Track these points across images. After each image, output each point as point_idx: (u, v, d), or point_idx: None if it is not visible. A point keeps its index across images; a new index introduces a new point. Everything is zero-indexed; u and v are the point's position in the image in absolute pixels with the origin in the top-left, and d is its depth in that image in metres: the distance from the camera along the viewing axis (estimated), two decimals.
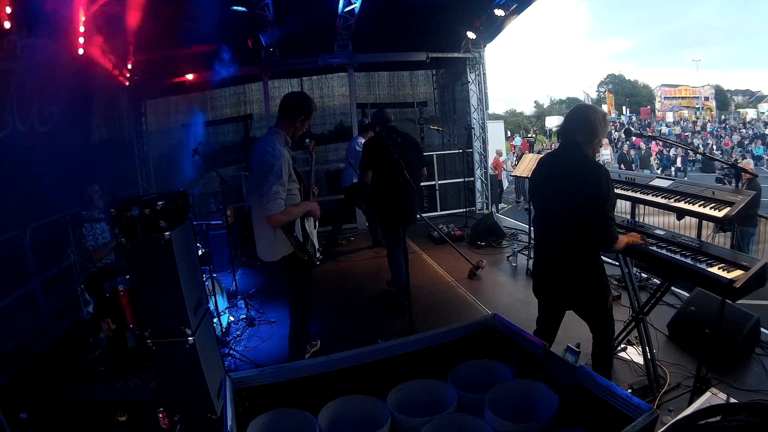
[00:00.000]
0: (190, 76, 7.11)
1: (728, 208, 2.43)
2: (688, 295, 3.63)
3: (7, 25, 3.64)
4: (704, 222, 3.53)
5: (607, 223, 2.27)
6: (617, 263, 3.13)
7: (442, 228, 6.67)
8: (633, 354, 3.17)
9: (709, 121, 33.59)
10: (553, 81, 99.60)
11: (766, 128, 27.36)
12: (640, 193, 2.98)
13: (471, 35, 7.89)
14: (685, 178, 11.95)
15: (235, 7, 6.27)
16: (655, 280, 4.34)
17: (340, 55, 7.61)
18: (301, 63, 7.57)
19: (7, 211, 3.86)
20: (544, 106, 45.46)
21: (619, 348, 3.21)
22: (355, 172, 5.86)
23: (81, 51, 4.92)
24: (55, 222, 4.29)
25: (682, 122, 33.60)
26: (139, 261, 2.47)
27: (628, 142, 20.65)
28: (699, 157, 19.36)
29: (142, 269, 2.49)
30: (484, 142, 8.71)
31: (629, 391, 2.35)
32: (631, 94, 41.23)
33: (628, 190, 3.08)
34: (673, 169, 19.32)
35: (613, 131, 24.20)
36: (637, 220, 3.32)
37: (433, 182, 8.40)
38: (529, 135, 30.22)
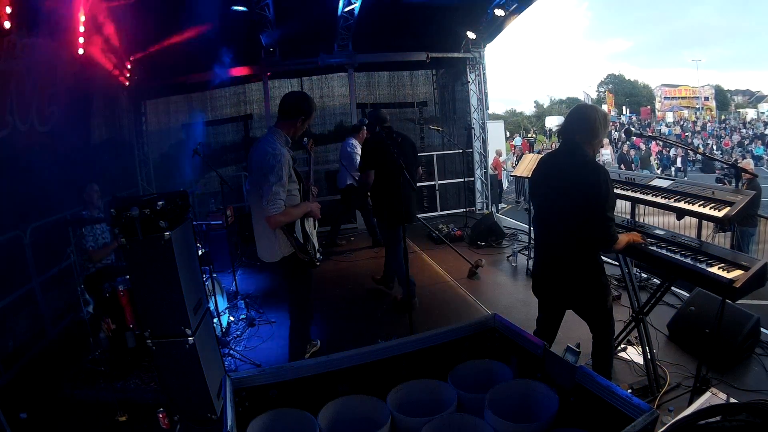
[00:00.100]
0: (190, 76, 7.11)
1: (728, 208, 2.43)
2: (688, 295, 3.63)
3: (7, 25, 3.64)
4: (704, 222, 3.54)
5: (607, 223, 2.27)
6: (617, 263, 3.13)
7: (442, 228, 6.68)
8: (633, 354, 3.17)
9: (709, 121, 33.58)
10: (553, 81, 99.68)
11: (766, 128, 27.35)
12: (640, 193, 2.98)
13: (471, 35, 7.89)
14: (685, 178, 11.95)
15: (235, 7, 6.27)
16: (655, 280, 4.34)
17: (340, 55, 7.61)
18: (301, 63, 7.57)
19: (7, 211, 3.86)
20: (544, 106, 45.47)
21: (619, 348, 3.21)
22: (349, 173, 5.87)
23: (81, 51, 4.92)
24: (55, 222, 4.29)
25: (682, 122, 33.58)
26: (139, 261, 2.47)
27: (628, 143, 20.65)
28: (699, 157, 19.37)
29: (142, 269, 2.49)
30: (484, 142, 8.71)
31: (629, 391, 2.35)
32: (631, 94, 41.22)
33: (628, 190, 3.08)
34: (673, 169, 19.33)
35: (613, 131, 24.20)
36: (637, 220, 3.31)
37: (433, 182, 8.40)
38: (529, 135, 30.21)
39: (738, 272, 2.21)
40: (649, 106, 38.85)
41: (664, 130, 30.89)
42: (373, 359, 1.72)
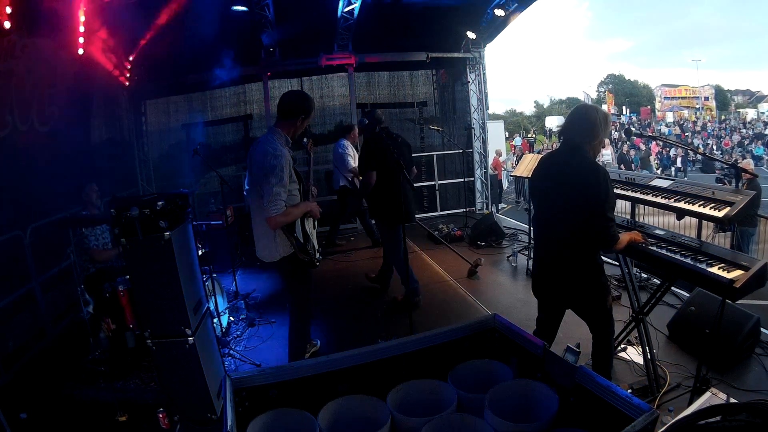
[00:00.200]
0: (190, 76, 7.11)
1: (728, 208, 2.43)
2: (688, 295, 3.63)
3: (7, 25, 3.64)
4: (704, 222, 3.53)
5: (607, 223, 2.27)
6: (617, 263, 3.13)
7: (442, 228, 6.68)
8: (633, 354, 3.17)
9: (709, 121, 33.57)
10: (553, 81, 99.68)
11: (766, 128, 27.34)
12: (640, 193, 2.98)
13: (471, 35, 7.89)
14: (685, 178, 11.96)
15: (235, 7, 6.27)
16: (655, 280, 4.34)
17: (340, 55, 7.61)
18: (301, 63, 7.57)
19: (7, 211, 3.86)
20: (544, 106, 45.45)
21: (619, 348, 3.21)
22: (342, 174, 5.88)
23: (81, 51, 4.92)
24: (56, 222, 4.29)
25: (682, 122, 33.58)
26: (139, 261, 2.47)
27: (628, 143, 20.66)
28: (699, 157, 19.37)
29: (142, 269, 2.49)
30: (484, 142, 8.71)
31: (629, 391, 2.35)
32: (631, 94, 41.19)
33: (628, 190, 3.08)
34: (673, 169, 19.33)
35: (613, 131, 24.20)
36: (637, 220, 3.32)
37: (433, 182, 8.40)
38: (529, 135, 30.22)
39: (738, 272, 2.21)
40: (649, 106, 38.84)
41: (664, 130, 30.88)
42: (373, 359, 1.72)
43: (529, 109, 46.99)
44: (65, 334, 4.21)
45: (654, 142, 21.01)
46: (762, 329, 3.22)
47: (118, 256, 3.79)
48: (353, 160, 5.79)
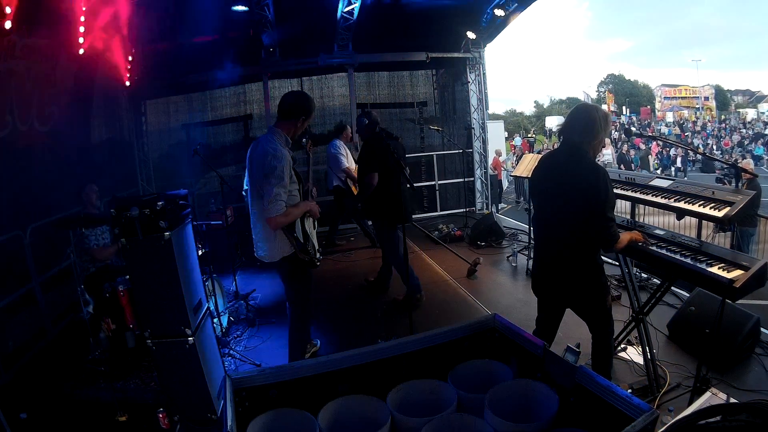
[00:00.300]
0: (190, 76, 7.11)
1: (728, 208, 2.43)
2: (688, 295, 3.63)
3: (7, 25, 3.64)
4: (704, 222, 3.54)
5: (607, 223, 2.27)
6: (617, 263, 3.13)
7: (442, 228, 6.68)
8: (633, 354, 3.17)
9: (709, 121, 33.56)
10: (553, 81, 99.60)
11: (766, 128, 27.34)
12: (640, 193, 2.98)
13: (471, 35, 7.89)
14: (685, 178, 11.95)
15: (235, 7, 6.27)
16: (655, 280, 4.34)
17: (340, 55, 7.61)
18: (301, 63, 7.57)
19: (7, 211, 3.86)
20: (544, 106, 45.45)
21: (619, 348, 3.21)
22: (335, 174, 5.91)
23: (81, 51, 4.92)
24: (56, 222, 4.29)
25: (682, 122, 33.58)
26: (139, 261, 2.47)
27: (628, 142, 20.66)
28: (699, 157, 19.37)
29: (142, 269, 2.49)
30: (484, 142, 8.71)
31: (629, 391, 2.35)
32: (631, 94, 41.19)
33: (628, 190, 3.08)
34: (673, 169, 19.33)
35: (613, 131, 24.20)
36: (637, 220, 3.31)
37: (433, 182, 8.40)
38: (529, 135, 30.20)
39: (738, 272, 2.21)
40: (649, 106, 38.84)
41: (664, 130, 30.88)
42: (373, 359, 1.72)
43: (529, 109, 47.04)
44: (65, 334, 4.21)
45: (654, 142, 21.00)
46: (762, 329, 3.22)
47: (118, 253, 3.79)
48: (346, 160, 5.83)
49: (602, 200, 2.22)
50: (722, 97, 39.83)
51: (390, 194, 4.00)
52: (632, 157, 18.10)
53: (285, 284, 3.04)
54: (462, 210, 8.29)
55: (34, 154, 4.29)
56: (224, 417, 1.34)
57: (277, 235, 2.79)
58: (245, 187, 3.02)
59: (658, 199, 2.84)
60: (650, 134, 24.99)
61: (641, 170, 16.43)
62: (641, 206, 3.44)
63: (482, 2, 7.27)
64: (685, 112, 36.61)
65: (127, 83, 6.73)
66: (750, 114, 32.94)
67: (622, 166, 16.39)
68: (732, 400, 2.15)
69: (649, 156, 18.46)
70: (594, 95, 41.96)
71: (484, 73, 8.51)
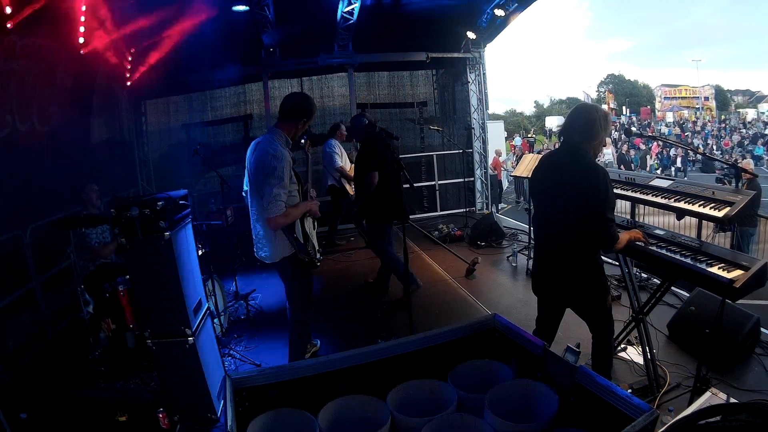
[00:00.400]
0: (190, 76, 7.12)
1: (728, 208, 2.43)
2: (688, 295, 3.63)
3: (7, 25, 3.64)
4: (704, 222, 3.53)
5: (607, 223, 2.27)
6: (617, 263, 3.13)
7: (442, 228, 6.68)
8: (633, 354, 3.17)
9: (709, 121, 33.56)
10: (553, 81, 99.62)
11: (766, 128, 27.33)
12: (640, 193, 2.98)
13: (471, 35, 7.89)
14: (685, 178, 11.96)
15: (236, 7, 6.27)
16: (655, 280, 4.34)
17: (340, 55, 7.61)
18: (301, 63, 7.57)
19: (7, 211, 3.86)
20: (544, 106, 45.45)
21: (619, 348, 3.21)
22: (329, 174, 5.95)
23: (82, 51, 4.91)
24: (56, 222, 4.29)
25: (682, 122, 33.57)
26: (139, 261, 2.47)
27: (628, 142, 20.66)
28: (699, 157, 19.37)
29: (142, 269, 2.49)
30: (484, 142, 8.71)
31: (629, 391, 2.35)
32: (631, 94, 41.19)
33: (628, 190, 3.08)
34: (673, 169, 19.32)
35: (613, 131, 24.20)
36: (637, 220, 3.32)
37: (433, 182, 8.40)
38: (529, 135, 30.20)
39: (738, 272, 2.21)
40: (649, 106, 38.84)
41: (664, 130, 30.87)
42: (373, 359, 1.72)
43: (529, 109, 47.06)
44: (65, 334, 4.21)
45: (655, 142, 21.00)
46: (762, 329, 3.21)
47: (118, 250, 3.79)
48: (340, 159, 5.84)
49: (602, 200, 2.22)
50: (722, 97, 39.83)
51: (389, 193, 4.01)
52: (632, 157, 18.11)
53: (285, 284, 3.04)
54: (462, 210, 8.29)
55: (34, 154, 4.29)
56: (224, 417, 1.34)
57: (277, 235, 2.79)
58: (245, 187, 3.02)
59: (658, 199, 2.84)
60: (650, 134, 24.97)
61: (641, 170, 16.45)
62: (641, 206, 3.44)
63: (482, 2, 7.26)
64: (685, 112, 36.60)
65: (128, 83, 6.74)
66: (750, 114, 32.94)
67: (622, 166, 16.39)
68: (732, 400, 2.15)
69: (648, 156, 18.46)
70: (594, 95, 41.97)
71: (484, 73, 8.51)
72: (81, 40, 4.87)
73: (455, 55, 8.25)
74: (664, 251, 2.55)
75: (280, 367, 1.66)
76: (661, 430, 1.34)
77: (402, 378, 1.68)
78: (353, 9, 6.70)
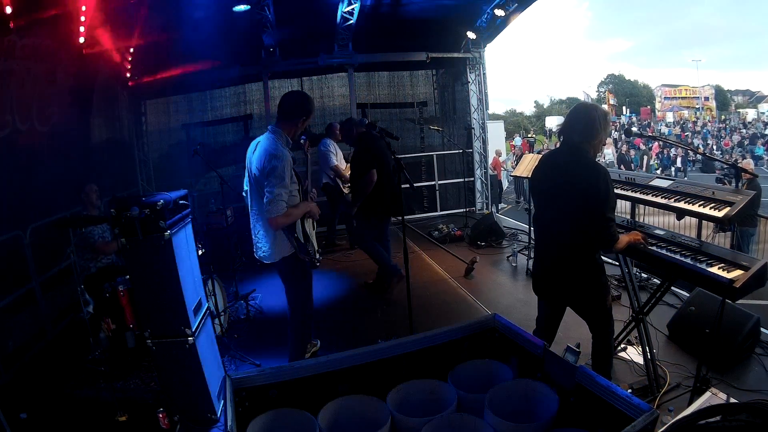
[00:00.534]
0: (190, 76, 7.11)
1: (728, 208, 2.43)
2: (688, 295, 3.63)
3: (8, 24, 3.64)
4: (704, 222, 3.53)
5: (607, 223, 2.27)
6: (617, 263, 3.13)
7: (442, 228, 6.68)
8: (633, 354, 3.17)
9: (709, 121, 33.56)
10: (553, 81, 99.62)
11: (766, 128, 27.32)
12: (640, 193, 2.98)
13: (471, 35, 7.89)
14: (685, 178, 11.96)
15: (237, 8, 6.27)
16: (655, 280, 4.34)
17: (340, 55, 7.61)
18: (301, 63, 7.57)
19: (7, 210, 3.86)
20: (544, 106, 45.45)
21: (619, 348, 3.21)
22: (324, 172, 5.98)
23: (82, 51, 4.91)
24: (56, 222, 4.29)
25: (682, 122, 33.57)
26: (139, 261, 2.47)
27: (627, 142, 20.65)
28: (699, 157, 19.37)
29: (142, 269, 2.49)
30: (484, 142, 8.71)
31: (629, 391, 2.35)
32: (631, 94, 41.19)
33: (628, 190, 3.08)
34: (673, 169, 19.32)
35: (612, 131, 24.20)
36: (637, 220, 3.32)
37: (433, 182, 8.40)
38: (529, 135, 30.20)
39: (738, 272, 2.21)
40: (649, 107, 38.83)
41: (664, 130, 30.87)
42: (373, 359, 1.73)
43: (529, 109, 47.06)
44: (65, 334, 4.21)
45: (655, 143, 21.00)
46: (762, 329, 3.21)
47: (116, 252, 3.80)
48: (335, 158, 5.88)
49: (602, 200, 2.22)
50: (722, 97, 39.84)
51: (378, 190, 4.09)
52: (632, 157, 18.10)
53: (285, 284, 3.04)
54: (462, 210, 8.29)
55: (34, 154, 4.28)
56: (224, 417, 1.34)
57: (277, 235, 2.79)
58: (245, 187, 3.02)
59: (658, 199, 2.84)
60: (650, 134, 24.96)
61: (640, 170, 16.46)
62: (641, 206, 3.44)
63: (482, 2, 7.26)
64: (685, 113, 36.61)
65: (128, 83, 6.74)
66: (750, 114, 32.94)
67: (622, 166, 16.39)
68: (732, 400, 2.15)
69: (645, 156, 18.45)
70: (594, 95, 41.97)
71: (484, 73, 8.51)
72: (81, 39, 4.86)
73: (455, 55, 8.25)
74: (664, 251, 2.55)
75: (280, 367, 1.66)
76: (661, 430, 1.34)
77: (402, 378, 1.68)
78: (353, 9, 6.70)
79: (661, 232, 2.74)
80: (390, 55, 7.99)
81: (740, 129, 28.77)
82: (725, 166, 7.04)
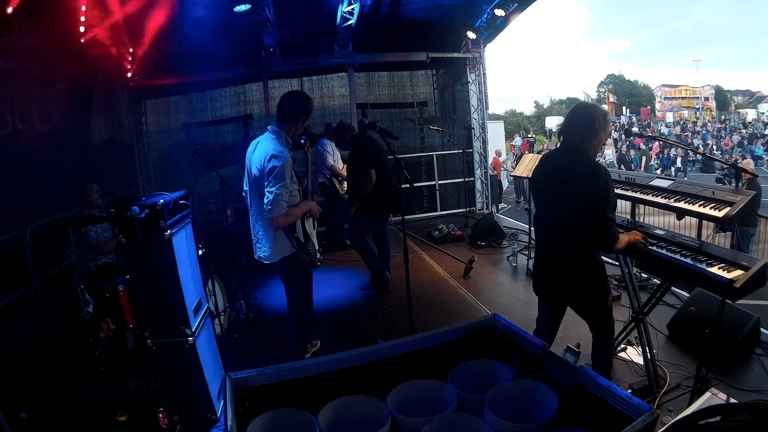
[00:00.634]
0: (190, 76, 7.11)
1: (728, 208, 2.43)
2: (688, 295, 3.63)
3: (8, 25, 3.64)
4: (704, 222, 3.53)
5: (607, 223, 2.27)
6: (617, 263, 3.13)
7: (442, 228, 6.68)
8: (633, 354, 3.17)
9: (709, 121, 33.55)
10: (553, 81, 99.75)
11: (766, 128, 27.31)
12: (640, 193, 2.98)
13: (471, 35, 7.89)
14: (685, 178, 11.95)
15: (237, 8, 6.27)
16: (655, 280, 4.34)
17: (340, 55, 7.61)
18: (301, 63, 7.57)
19: (7, 211, 3.86)
20: (544, 106, 45.49)
21: (619, 348, 3.20)
22: (320, 172, 6.01)
23: (81, 51, 4.91)
24: (56, 222, 4.29)
25: (682, 122, 33.56)
26: (139, 261, 2.47)
27: (627, 142, 20.65)
28: (699, 157, 19.37)
29: (142, 269, 2.49)
30: (484, 142, 8.71)
31: (629, 391, 2.34)
32: (631, 94, 41.19)
33: (628, 190, 3.08)
34: (673, 169, 19.32)
35: (612, 131, 24.20)
36: (637, 220, 3.31)
37: (433, 182, 8.41)
38: (529, 135, 30.19)
39: (738, 272, 2.21)
40: (649, 107, 38.83)
41: (664, 130, 30.86)
42: (373, 359, 1.72)
43: (529, 109, 47.10)
44: (65, 334, 4.21)
45: (656, 143, 21.00)
46: (762, 329, 3.21)
47: (116, 252, 3.79)
48: (332, 158, 5.91)
49: (602, 200, 2.22)
50: (722, 98, 39.84)
51: (380, 191, 4.14)
52: (632, 157, 18.10)
53: (285, 284, 3.04)
54: (462, 210, 8.29)
55: (34, 154, 4.28)
56: (224, 417, 1.34)
57: (277, 235, 2.79)
58: (245, 187, 3.02)
59: (658, 199, 2.84)
60: (650, 134, 24.96)
61: (640, 170, 16.45)
62: (641, 206, 3.44)
63: (482, 2, 7.26)
64: (685, 113, 36.61)
65: (128, 83, 6.73)
66: (750, 114, 32.93)
67: (622, 166, 16.38)
68: (732, 400, 2.15)
69: (645, 156, 18.44)
70: (594, 95, 41.98)
71: (484, 73, 8.51)
72: (81, 39, 4.86)
73: (455, 55, 8.25)
74: (664, 251, 2.54)
75: (280, 367, 1.66)
76: (661, 430, 1.34)
77: (402, 378, 1.68)
78: (353, 9, 6.70)
79: (661, 232, 2.74)
80: (390, 55, 7.99)
81: (740, 129, 28.76)
82: (725, 166, 7.04)
